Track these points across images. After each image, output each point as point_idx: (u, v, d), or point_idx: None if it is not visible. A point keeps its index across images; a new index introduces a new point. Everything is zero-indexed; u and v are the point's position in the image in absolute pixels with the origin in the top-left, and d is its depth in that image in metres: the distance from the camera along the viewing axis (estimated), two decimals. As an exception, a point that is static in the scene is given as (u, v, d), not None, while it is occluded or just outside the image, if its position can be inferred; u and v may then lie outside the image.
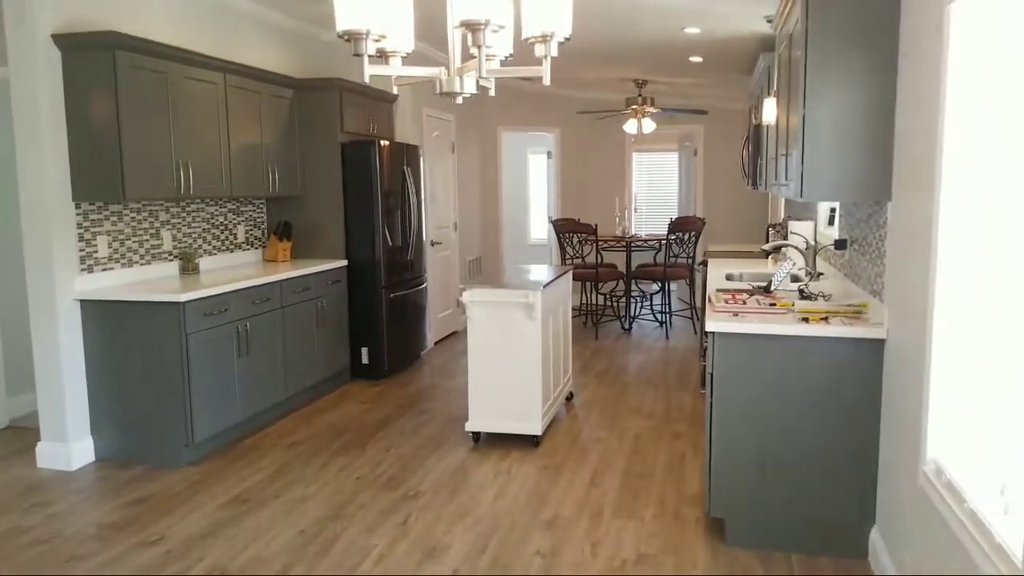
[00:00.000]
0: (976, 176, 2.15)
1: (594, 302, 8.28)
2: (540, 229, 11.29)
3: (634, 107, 8.08)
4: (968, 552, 1.92)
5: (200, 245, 5.10)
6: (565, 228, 7.85)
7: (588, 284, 8.31)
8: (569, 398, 5.43)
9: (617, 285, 8.47)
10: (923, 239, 2.42)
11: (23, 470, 4.12)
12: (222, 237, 5.33)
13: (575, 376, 6.02)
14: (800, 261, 4.18)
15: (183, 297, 4.02)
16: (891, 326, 2.85)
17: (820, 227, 4.56)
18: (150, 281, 4.51)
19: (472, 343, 4.45)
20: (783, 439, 3.07)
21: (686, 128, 9.32)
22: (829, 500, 3.05)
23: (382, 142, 5.86)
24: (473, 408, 4.48)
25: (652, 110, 8.08)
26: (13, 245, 4.81)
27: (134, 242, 4.52)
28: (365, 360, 5.95)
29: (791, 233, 4.40)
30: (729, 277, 4.66)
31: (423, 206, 6.65)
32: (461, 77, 1.97)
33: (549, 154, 9.75)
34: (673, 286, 8.95)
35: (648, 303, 8.62)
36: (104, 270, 4.30)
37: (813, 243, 4.12)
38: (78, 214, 4.13)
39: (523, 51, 1.89)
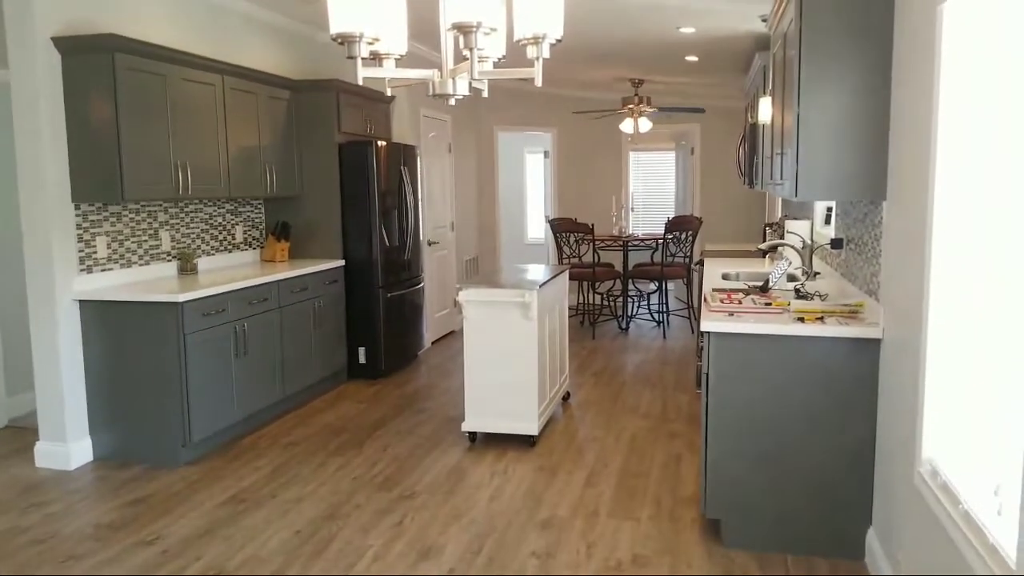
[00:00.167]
0: (971, 175, 2.15)
1: (591, 302, 8.29)
2: (537, 229, 11.29)
3: (630, 106, 8.08)
4: (962, 553, 1.93)
5: (198, 245, 5.10)
6: (562, 227, 7.85)
7: (585, 284, 8.31)
8: (566, 398, 5.43)
9: (614, 284, 8.48)
10: (918, 239, 2.42)
11: (22, 470, 4.13)
12: (220, 237, 5.34)
13: (572, 376, 6.03)
14: (796, 260, 4.17)
15: (181, 297, 4.03)
16: (887, 326, 2.85)
17: (817, 226, 4.56)
18: (149, 281, 4.52)
19: (468, 343, 4.46)
20: (779, 440, 3.07)
21: (683, 127, 9.32)
22: (826, 501, 3.05)
23: (379, 142, 5.87)
24: (469, 408, 4.48)
25: (648, 109, 8.07)
26: (13, 245, 4.82)
27: (133, 242, 4.53)
28: (362, 360, 5.95)
29: (788, 232, 4.40)
30: (725, 276, 4.66)
31: (420, 206, 6.66)
32: (454, 79, 1.98)
33: (546, 154, 9.74)
34: (670, 285, 8.95)
35: (645, 303, 8.63)
36: (103, 270, 4.31)
37: (809, 242, 4.12)
38: (77, 215, 4.14)
39: (516, 52, 1.90)
